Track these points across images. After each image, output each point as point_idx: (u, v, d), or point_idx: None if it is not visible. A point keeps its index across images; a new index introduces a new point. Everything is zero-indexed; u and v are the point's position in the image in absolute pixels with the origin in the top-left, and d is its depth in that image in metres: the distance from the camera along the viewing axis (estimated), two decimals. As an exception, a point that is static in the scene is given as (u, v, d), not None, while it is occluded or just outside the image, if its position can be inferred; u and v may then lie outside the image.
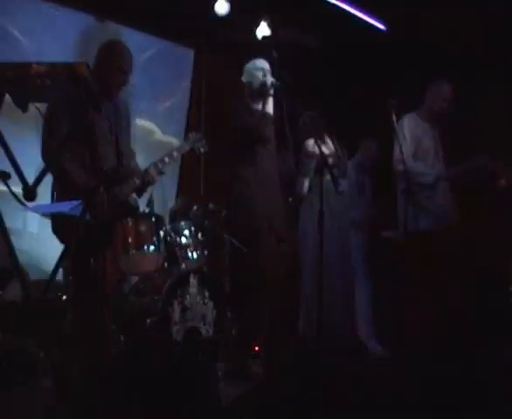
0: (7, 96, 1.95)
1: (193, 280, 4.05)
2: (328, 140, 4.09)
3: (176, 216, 4.58)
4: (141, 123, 5.22)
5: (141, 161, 3.51)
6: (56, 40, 4.69)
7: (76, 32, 4.87)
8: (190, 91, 5.80)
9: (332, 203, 4.03)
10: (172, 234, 4.21)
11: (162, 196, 4.85)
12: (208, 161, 5.49)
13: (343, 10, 5.19)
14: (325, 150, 3.20)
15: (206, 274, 4.25)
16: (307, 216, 4.14)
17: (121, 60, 3.06)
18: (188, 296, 4.00)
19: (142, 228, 4.09)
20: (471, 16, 4.91)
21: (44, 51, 4.54)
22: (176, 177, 5.58)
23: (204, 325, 4.04)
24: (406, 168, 3.48)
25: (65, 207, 2.65)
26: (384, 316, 4.60)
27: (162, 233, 4.13)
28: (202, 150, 3.58)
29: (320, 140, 3.27)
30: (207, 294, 4.10)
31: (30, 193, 1.96)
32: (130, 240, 3.97)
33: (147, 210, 4.06)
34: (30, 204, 2.11)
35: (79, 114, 2.61)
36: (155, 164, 3.19)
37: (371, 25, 5.43)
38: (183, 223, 4.24)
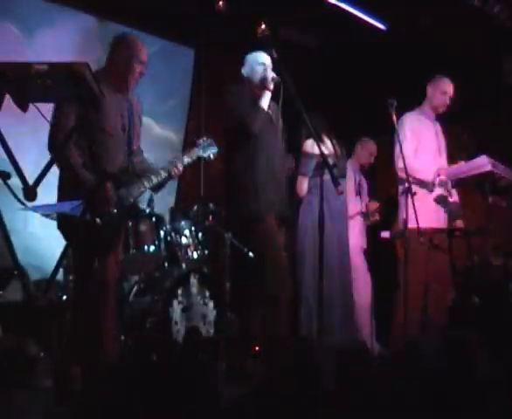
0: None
1: (193, 280, 4.05)
2: (327, 140, 4.09)
3: (176, 215, 4.58)
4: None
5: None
6: (56, 40, 4.69)
7: (76, 32, 4.87)
8: (191, 90, 5.81)
9: (331, 203, 4.03)
10: (172, 234, 4.21)
11: (162, 196, 4.84)
12: (208, 161, 5.47)
13: (343, 10, 5.19)
14: (324, 150, 3.19)
15: (206, 274, 4.25)
16: (307, 216, 4.13)
17: (141, 53, 3.04)
18: (188, 296, 4.00)
19: (143, 228, 4.09)
20: (471, 16, 4.91)
21: (44, 50, 4.54)
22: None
23: (205, 324, 4.05)
24: (407, 166, 3.48)
25: (66, 207, 2.65)
26: (384, 316, 4.60)
27: (162, 233, 4.14)
28: (212, 157, 3.52)
29: (319, 140, 3.25)
30: (207, 294, 4.10)
31: (30, 193, 1.96)
32: (130, 240, 3.98)
33: (147, 210, 4.06)
34: (30, 204, 2.11)
35: (82, 112, 2.62)
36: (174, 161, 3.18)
37: (371, 25, 5.43)
38: (183, 223, 4.24)
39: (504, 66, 5.23)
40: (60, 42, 4.70)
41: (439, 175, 3.84)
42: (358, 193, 4.96)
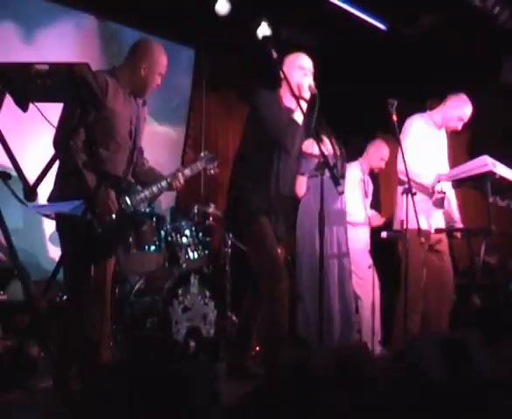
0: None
1: (194, 280, 4.06)
2: (327, 141, 4.08)
3: (176, 215, 4.59)
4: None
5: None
6: (56, 40, 4.69)
7: (76, 32, 4.88)
8: (191, 90, 5.81)
9: (331, 204, 4.03)
10: (173, 234, 4.21)
11: (162, 196, 4.85)
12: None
13: (343, 10, 5.19)
14: (324, 150, 3.17)
15: (207, 274, 4.26)
16: (306, 216, 4.14)
17: (164, 64, 2.98)
18: (189, 296, 4.01)
19: (143, 228, 4.09)
20: (471, 16, 4.91)
21: (44, 50, 4.55)
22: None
23: (205, 325, 4.05)
24: (408, 169, 3.47)
25: (66, 207, 2.64)
26: (384, 316, 4.60)
27: (162, 233, 4.14)
28: (212, 172, 3.50)
29: (319, 139, 3.24)
30: (208, 294, 4.11)
31: (30, 193, 1.96)
32: (131, 240, 3.98)
33: (148, 210, 4.06)
34: (30, 204, 2.12)
35: (88, 113, 2.60)
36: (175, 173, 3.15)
37: (371, 25, 5.43)
38: (183, 223, 4.24)
39: (504, 66, 5.22)
40: (60, 42, 4.70)
41: (439, 181, 3.83)
42: (367, 195, 4.88)
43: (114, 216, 2.79)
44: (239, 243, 4.24)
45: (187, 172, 3.23)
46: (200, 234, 4.28)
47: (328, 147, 3.99)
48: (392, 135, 3.87)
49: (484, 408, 2.26)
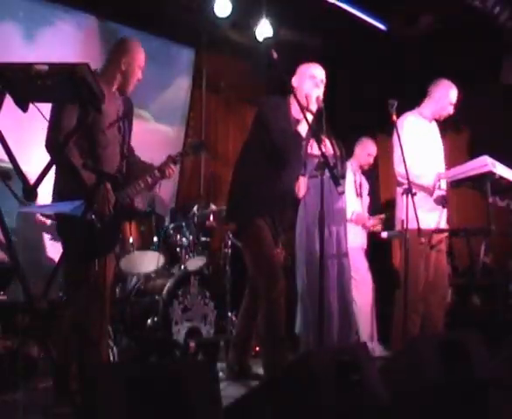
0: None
1: (194, 280, 4.06)
2: (327, 141, 4.08)
3: (176, 215, 4.59)
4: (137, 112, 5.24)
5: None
6: (56, 40, 4.70)
7: (76, 32, 4.88)
8: (191, 90, 5.81)
9: (331, 204, 4.03)
10: (173, 234, 4.22)
11: (162, 196, 4.85)
12: (208, 160, 5.50)
13: (343, 10, 5.19)
14: (324, 150, 3.17)
15: (207, 274, 4.26)
16: (306, 216, 4.14)
17: (142, 59, 3.09)
18: (189, 296, 4.01)
19: (143, 228, 4.10)
20: (471, 16, 4.91)
21: (44, 51, 4.55)
22: (176, 177, 5.59)
23: (205, 325, 4.05)
24: (407, 168, 3.47)
25: (66, 207, 2.64)
26: (384, 316, 4.60)
27: (162, 233, 4.14)
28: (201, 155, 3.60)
29: (319, 140, 3.24)
30: (208, 294, 4.11)
31: (30, 193, 1.96)
32: (131, 240, 3.99)
33: (148, 210, 4.07)
34: (30, 204, 2.12)
35: (83, 113, 2.61)
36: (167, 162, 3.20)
37: (371, 25, 5.43)
38: (183, 223, 4.24)
39: (504, 66, 5.22)
40: (61, 42, 4.71)
41: (439, 180, 3.84)
42: (359, 194, 4.94)
43: (112, 210, 2.83)
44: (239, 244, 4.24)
45: (178, 158, 3.28)
46: (200, 234, 4.28)
47: (328, 147, 3.99)
48: (391, 135, 3.89)
49: (484, 408, 2.26)
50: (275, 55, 3.14)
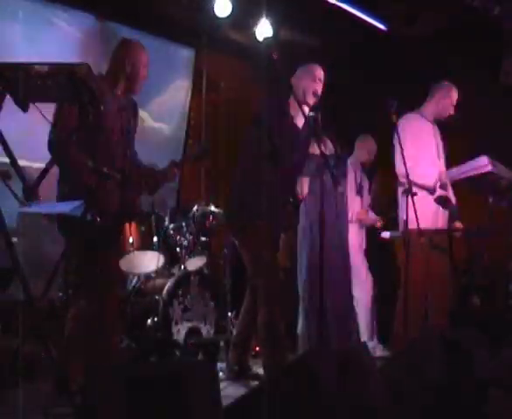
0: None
1: (194, 280, 4.06)
2: (328, 140, 4.09)
3: (176, 215, 4.58)
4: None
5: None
6: (56, 40, 4.69)
7: (76, 32, 4.87)
8: (191, 91, 5.81)
9: (332, 204, 4.02)
10: (173, 234, 4.21)
11: (162, 196, 4.85)
12: (208, 160, 5.49)
13: (343, 10, 5.19)
14: (324, 150, 3.17)
15: (207, 274, 4.26)
16: (307, 216, 4.13)
17: (145, 57, 3.10)
18: (189, 296, 4.01)
19: (143, 228, 4.10)
20: (471, 16, 4.91)
21: (44, 51, 4.54)
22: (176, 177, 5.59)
23: (205, 325, 4.05)
24: (407, 169, 3.47)
25: (66, 207, 2.64)
26: (384, 316, 4.60)
27: (162, 233, 4.14)
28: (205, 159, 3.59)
29: (319, 139, 3.24)
30: (208, 294, 4.11)
31: (30, 193, 1.96)
32: (131, 240, 3.99)
33: (147, 210, 4.07)
34: (30, 204, 2.11)
35: (84, 113, 2.60)
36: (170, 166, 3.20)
37: (371, 25, 5.43)
38: (183, 223, 4.24)
39: (504, 66, 5.22)
40: (60, 42, 4.70)
41: (440, 180, 3.84)
42: (358, 192, 4.94)
43: (114, 210, 2.84)
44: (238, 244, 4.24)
45: (180, 163, 3.28)
46: (200, 234, 4.28)
47: (328, 147, 4.00)
48: (391, 135, 3.89)
49: (485, 408, 2.26)
50: (275, 55, 3.14)
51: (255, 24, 5.25)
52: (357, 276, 4.61)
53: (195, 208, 4.35)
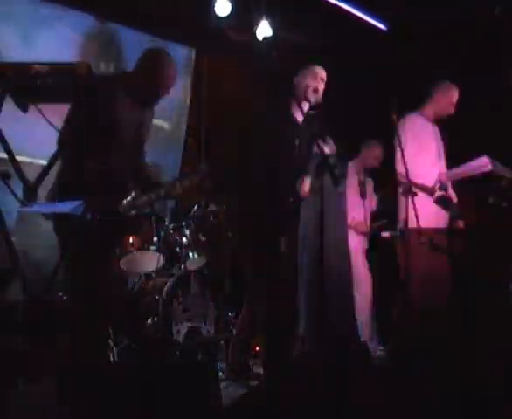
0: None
1: (194, 280, 4.06)
2: (329, 140, 4.09)
3: (176, 215, 4.59)
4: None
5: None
6: (56, 40, 4.69)
7: (76, 33, 4.87)
8: (191, 91, 5.81)
9: (332, 203, 4.02)
10: (173, 234, 4.21)
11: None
12: (208, 160, 5.49)
13: (344, 10, 5.19)
14: (326, 150, 3.18)
15: (207, 274, 4.26)
16: (308, 215, 4.13)
17: (172, 78, 3.04)
18: (188, 296, 4.01)
19: (143, 228, 4.10)
20: (471, 16, 4.91)
21: (44, 51, 4.54)
22: (176, 177, 5.59)
23: (205, 325, 4.05)
24: (408, 169, 3.47)
25: (66, 207, 2.64)
26: (384, 316, 4.60)
27: (162, 233, 4.14)
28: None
29: (320, 139, 3.24)
30: (208, 294, 4.11)
31: (30, 193, 1.96)
32: (131, 240, 3.99)
33: (147, 210, 4.06)
34: (30, 204, 2.11)
35: (82, 113, 2.61)
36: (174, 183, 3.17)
37: (371, 25, 5.43)
38: (183, 223, 4.24)
39: (504, 66, 5.22)
40: (60, 42, 4.70)
41: (440, 181, 3.84)
42: (362, 195, 4.90)
43: (115, 217, 2.82)
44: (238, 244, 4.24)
45: (186, 182, 3.24)
46: (200, 234, 4.28)
47: (331, 146, 4.00)
48: (391, 135, 3.89)
49: (484, 408, 2.26)
50: (275, 55, 3.15)
51: (255, 24, 5.25)
52: (357, 276, 4.61)
53: (195, 208, 4.36)
